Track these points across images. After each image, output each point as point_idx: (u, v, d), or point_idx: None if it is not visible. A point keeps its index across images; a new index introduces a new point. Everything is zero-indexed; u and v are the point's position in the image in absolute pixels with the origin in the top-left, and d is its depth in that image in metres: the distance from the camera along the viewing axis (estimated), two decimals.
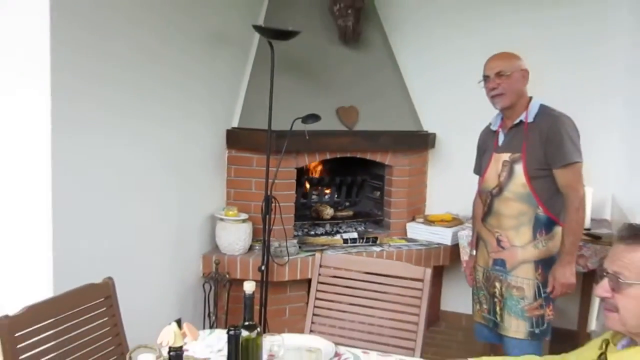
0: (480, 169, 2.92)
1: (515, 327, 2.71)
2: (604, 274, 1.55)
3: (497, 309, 2.80)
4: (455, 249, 4.15)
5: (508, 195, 2.70)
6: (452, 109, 4.48)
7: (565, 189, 2.61)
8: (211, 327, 3.71)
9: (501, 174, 2.72)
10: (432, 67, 4.52)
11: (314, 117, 3.45)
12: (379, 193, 4.56)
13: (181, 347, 1.45)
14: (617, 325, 1.53)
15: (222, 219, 3.78)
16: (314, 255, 2.95)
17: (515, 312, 2.71)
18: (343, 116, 4.14)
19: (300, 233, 4.25)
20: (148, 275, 3.23)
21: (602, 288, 1.54)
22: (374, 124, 4.21)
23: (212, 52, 3.68)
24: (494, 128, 2.86)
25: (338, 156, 4.17)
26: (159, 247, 3.34)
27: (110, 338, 2.15)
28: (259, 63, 4.06)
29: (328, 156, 4.14)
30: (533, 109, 2.69)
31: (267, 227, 3.49)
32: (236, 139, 3.98)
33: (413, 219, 4.47)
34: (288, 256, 3.76)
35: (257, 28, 3.48)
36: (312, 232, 4.35)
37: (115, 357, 2.14)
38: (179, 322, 1.60)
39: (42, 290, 2.44)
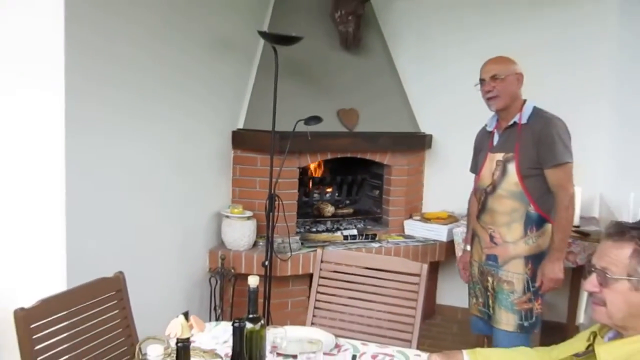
0: (476, 167, 2.92)
1: (506, 320, 2.71)
2: (592, 269, 1.54)
3: (490, 302, 2.80)
4: (450, 245, 4.15)
5: (501, 193, 2.70)
6: (448, 111, 4.48)
7: (555, 188, 2.62)
8: (217, 319, 3.72)
9: (495, 173, 2.73)
10: (429, 72, 4.53)
11: (315, 119, 3.45)
12: (378, 192, 4.56)
13: (188, 338, 1.45)
14: (604, 318, 1.53)
15: (227, 216, 3.79)
16: (315, 251, 2.96)
17: (506, 305, 2.71)
18: (344, 118, 4.14)
19: (302, 230, 4.25)
20: (157, 270, 3.23)
21: (590, 283, 1.54)
22: (373, 125, 4.21)
23: (218, 57, 3.68)
24: (489, 129, 2.87)
25: (339, 156, 4.17)
26: (168, 243, 3.34)
27: (120, 330, 2.15)
28: (263, 67, 4.06)
29: (329, 156, 4.13)
30: (527, 111, 2.69)
31: (270, 224, 3.49)
32: (241, 139, 3.99)
33: (410, 217, 4.47)
34: (291, 252, 3.76)
35: (262, 34, 3.48)
36: (314, 229, 4.35)
37: (125, 347, 2.14)
38: (186, 315, 1.60)
39: (56, 284, 2.45)
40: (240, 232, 3.75)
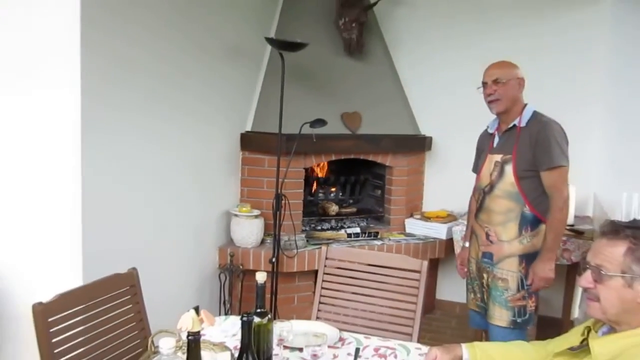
0: (477, 168, 2.91)
1: (499, 316, 2.70)
2: (587, 266, 1.54)
3: (486, 297, 2.79)
4: (449, 242, 4.14)
5: (498, 193, 2.69)
6: (447, 114, 4.48)
7: (550, 190, 2.60)
8: (226, 313, 3.72)
9: (493, 173, 2.72)
10: (429, 77, 4.52)
11: (320, 122, 3.44)
12: (380, 191, 4.55)
13: (199, 332, 1.45)
14: (598, 313, 1.52)
15: (236, 215, 3.79)
16: (320, 248, 2.95)
17: (500, 302, 2.70)
18: (347, 121, 4.13)
19: (307, 228, 4.25)
20: (169, 266, 3.23)
21: (585, 279, 1.53)
22: (375, 128, 4.21)
23: (228, 62, 3.68)
24: (490, 131, 2.85)
25: (342, 157, 4.17)
26: (179, 240, 3.34)
27: (134, 323, 2.15)
28: (270, 72, 4.06)
29: (333, 157, 4.13)
30: (526, 114, 2.68)
31: (277, 222, 3.49)
32: (249, 141, 3.98)
33: (411, 215, 4.46)
34: (296, 249, 3.76)
35: (269, 40, 3.48)
36: (319, 227, 4.35)
37: (138, 340, 2.14)
38: (197, 309, 1.60)
39: (72, 279, 2.45)
40: (248, 230, 3.75)
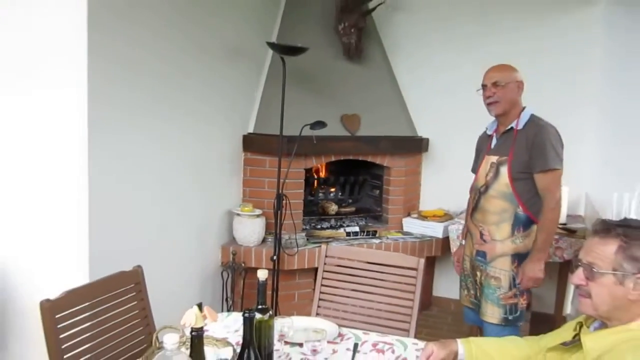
0: (475, 168, 2.91)
1: (491, 313, 2.69)
2: (579, 264, 1.54)
3: (479, 294, 2.79)
4: (446, 241, 4.13)
5: (492, 194, 2.68)
6: (443, 117, 4.48)
7: (542, 192, 2.59)
8: (228, 310, 3.71)
9: (488, 174, 2.71)
10: (426, 80, 4.52)
11: (320, 124, 3.44)
12: (378, 191, 4.55)
13: (202, 327, 1.45)
14: (589, 309, 1.52)
15: (238, 214, 3.78)
16: (320, 246, 2.95)
17: (492, 299, 2.69)
18: (347, 123, 4.13)
19: (308, 227, 4.25)
20: (173, 264, 3.23)
21: (577, 276, 1.53)
22: (374, 130, 4.20)
23: (231, 66, 3.68)
24: (489, 132, 2.84)
25: (342, 158, 4.16)
26: (183, 239, 3.34)
27: (139, 319, 2.15)
28: (272, 76, 4.06)
29: (333, 158, 4.13)
30: (524, 117, 2.66)
31: (278, 221, 3.48)
32: (251, 143, 3.98)
33: (408, 215, 4.45)
34: (297, 247, 3.76)
35: (270, 45, 3.48)
36: (319, 226, 4.34)
37: (143, 336, 2.14)
38: (200, 306, 1.60)
39: (79, 277, 2.45)
40: (250, 229, 3.75)
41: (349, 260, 2.57)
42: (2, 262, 2.60)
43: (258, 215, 3.79)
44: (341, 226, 4.34)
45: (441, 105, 4.47)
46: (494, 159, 2.70)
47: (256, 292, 1.71)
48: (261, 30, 4.04)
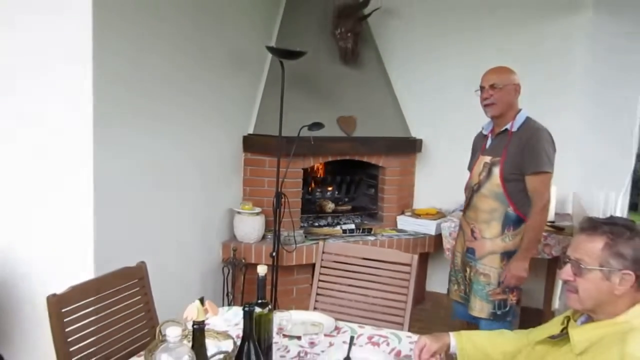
0: (471, 167, 2.90)
1: (480, 308, 2.69)
2: (567, 260, 1.54)
3: (468, 290, 2.78)
4: (438, 238, 4.13)
5: (484, 192, 2.68)
6: (436, 118, 4.47)
7: (532, 193, 2.57)
8: (229, 304, 3.71)
9: (481, 174, 2.70)
10: (419, 83, 4.51)
11: (318, 125, 3.44)
12: (373, 190, 4.55)
13: (203, 321, 1.45)
14: (576, 304, 1.52)
15: (239, 212, 3.78)
16: (317, 243, 2.95)
17: (481, 295, 2.68)
18: (343, 124, 4.13)
19: (305, 224, 4.24)
20: (175, 260, 3.23)
21: (565, 272, 1.53)
22: (369, 131, 4.20)
23: (232, 69, 3.67)
24: (485, 132, 2.83)
25: (338, 158, 4.16)
26: (185, 236, 3.33)
27: (142, 314, 2.14)
28: (271, 79, 4.05)
29: (330, 158, 4.13)
30: (519, 120, 2.64)
31: (277, 219, 3.48)
32: (251, 143, 3.98)
33: (402, 213, 4.45)
34: (295, 244, 3.76)
35: (270, 49, 3.47)
36: (316, 224, 4.34)
37: (146, 330, 2.13)
38: (201, 300, 1.59)
39: (84, 272, 2.45)
40: (250, 227, 3.75)
41: (345, 257, 2.57)
42: (9, 258, 2.59)
43: (258, 213, 3.78)
44: (338, 224, 4.34)
45: (434, 107, 4.47)
46: (487, 159, 2.69)
47: (256, 287, 1.70)
48: (261, 35, 4.03)
